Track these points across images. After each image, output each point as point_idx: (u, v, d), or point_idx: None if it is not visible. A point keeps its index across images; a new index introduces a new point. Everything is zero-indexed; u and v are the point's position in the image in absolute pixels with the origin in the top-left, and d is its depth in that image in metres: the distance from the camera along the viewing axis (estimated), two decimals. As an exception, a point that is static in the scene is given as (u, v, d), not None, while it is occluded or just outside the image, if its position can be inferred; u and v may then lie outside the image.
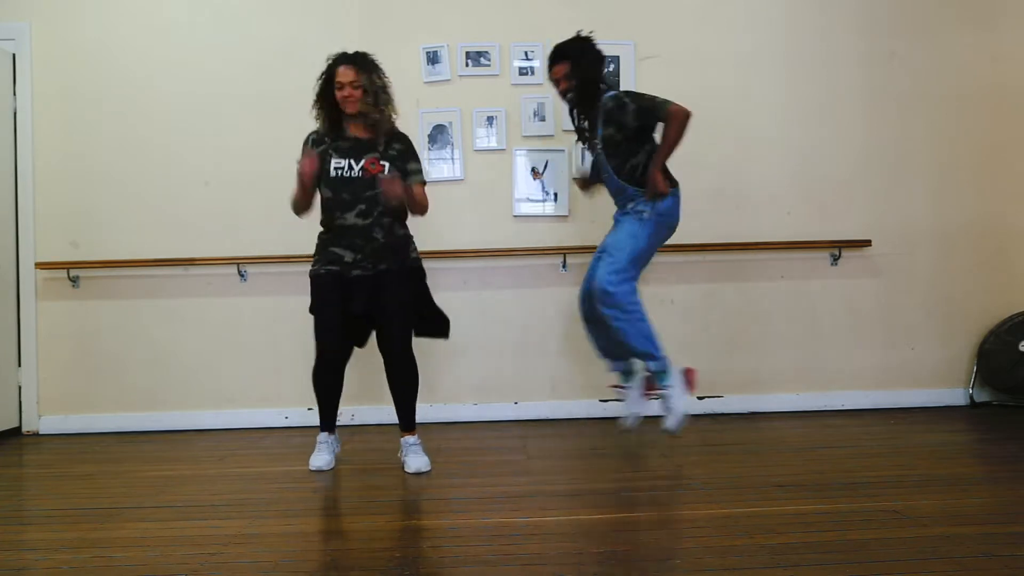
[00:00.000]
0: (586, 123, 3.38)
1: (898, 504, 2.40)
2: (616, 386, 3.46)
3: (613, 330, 3.20)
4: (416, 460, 3.07)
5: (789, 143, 4.22)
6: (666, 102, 3.15)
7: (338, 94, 3.01)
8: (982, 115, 4.26)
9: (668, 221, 3.25)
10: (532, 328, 4.17)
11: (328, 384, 3.16)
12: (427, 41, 4.16)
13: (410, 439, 3.17)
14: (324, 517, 2.53)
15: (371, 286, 3.07)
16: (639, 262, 3.23)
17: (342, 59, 3.04)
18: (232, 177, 4.17)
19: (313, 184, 3.08)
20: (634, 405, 3.37)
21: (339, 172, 3.04)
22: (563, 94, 3.34)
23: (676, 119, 3.14)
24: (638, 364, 3.34)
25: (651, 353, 3.17)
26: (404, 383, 3.15)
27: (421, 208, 3.18)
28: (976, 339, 4.23)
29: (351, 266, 3.06)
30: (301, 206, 3.15)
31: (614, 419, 4.08)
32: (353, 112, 3.04)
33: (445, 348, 4.14)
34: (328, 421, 3.21)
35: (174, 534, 2.32)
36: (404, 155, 3.13)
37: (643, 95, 3.21)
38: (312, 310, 3.13)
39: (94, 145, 4.17)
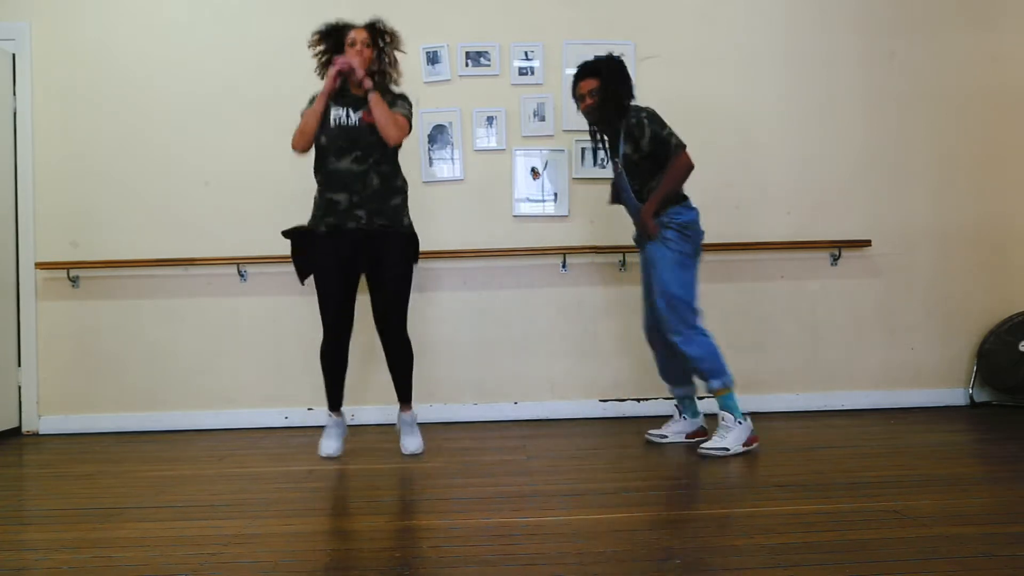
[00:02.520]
0: (605, 142, 3.41)
1: (898, 504, 2.40)
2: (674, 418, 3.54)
3: (680, 356, 3.27)
4: (412, 442, 3.32)
5: (789, 143, 4.23)
6: (679, 145, 3.19)
7: (349, 51, 3.15)
8: (982, 115, 4.26)
9: (691, 233, 3.26)
10: (532, 328, 4.17)
11: (332, 356, 3.24)
12: (427, 41, 4.16)
13: (407, 416, 3.37)
14: (324, 517, 2.53)
15: (368, 245, 3.16)
16: (689, 285, 3.23)
17: (356, 24, 3.20)
18: (232, 177, 4.17)
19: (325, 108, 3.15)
20: (672, 432, 3.46)
21: (337, 120, 3.15)
22: (587, 111, 3.32)
23: (681, 165, 3.19)
24: (695, 392, 3.48)
25: (716, 370, 3.20)
26: (402, 358, 3.28)
27: (396, 127, 3.09)
28: (976, 339, 4.23)
29: (346, 214, 3.13)
30: (308, 133, 3.12)
31: (614, 419, 4.10)
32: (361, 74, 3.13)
33: (445, 348, 4.15)
34: (334, 399, 3.33)
35: (174, 534, 2.31)
36: (397, 99, 3.24)
37: (663, 125, 3.20)
38: (297, 242, 3.23)
39: (94, 145, 4.18)
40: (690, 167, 3.20)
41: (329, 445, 3.32)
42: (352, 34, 3.17)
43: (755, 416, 4.08)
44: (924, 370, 4.24)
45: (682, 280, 3.20)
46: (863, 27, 4.24)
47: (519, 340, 4.17)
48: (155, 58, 4.18)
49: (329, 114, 3.16)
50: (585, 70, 3.29)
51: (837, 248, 4.19)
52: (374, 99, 3.07)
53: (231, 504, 2.65)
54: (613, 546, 2.11)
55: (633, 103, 3.29)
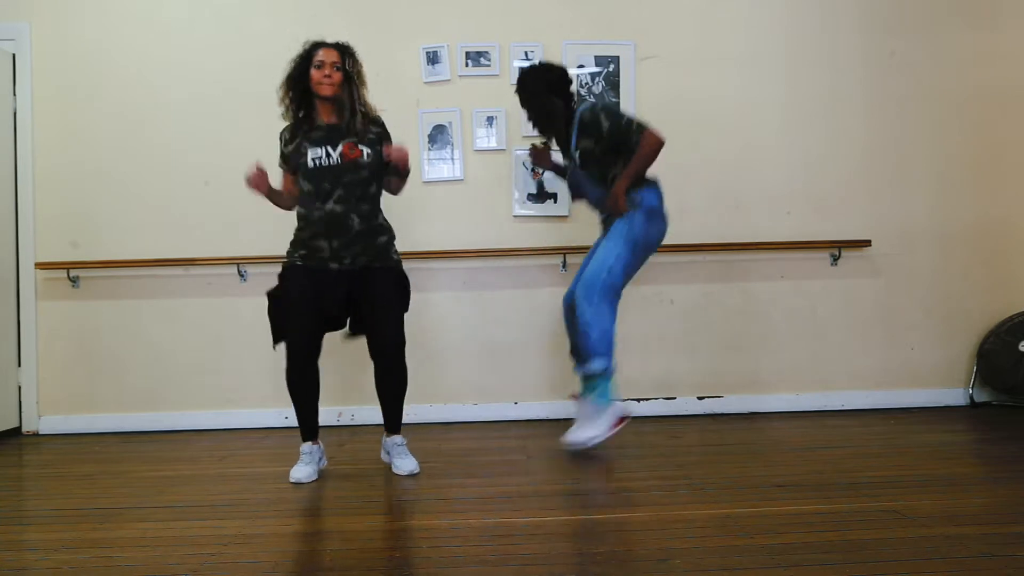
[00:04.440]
0: (553, 140, 3.40)
1: (898, 504, 2.40)
2: (573, 396, 3.44)
3: (580, 325, 3.17)
4: (407, 463, 3.02)
5: (789, 143, 4.22)
6: (641, 127, 3.16)
7: (316, 74, 2.92)
8: (982, 115, 4.26)
9: (658, 219, 3.24)
10: (532, 328, 4.17)
11: (305, 386, 3.00)
12: (427, 41, 4.16)
13: (397, 439, 3.09)
14: (324, 517, 2.53)
15: (350, 284, 2.94)
16: (628, 270, 3.21)
17: (322, 43, 2.99)
18: (232, 177, 4.14)
19: (276, 191, 3.04)
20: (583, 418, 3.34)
21: (317, 162, 2.90)
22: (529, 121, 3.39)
23: (650, 145, 3.13)
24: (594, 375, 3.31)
25: (603, 351, 3.12)
26: (396, 385, 3.02)
27: (404, 183, 3.12)
28: (976, 339, 4.23)
29: (328, 259, 2.93)
30: (284, 206, 3.12)
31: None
32: (328, 95, 2.94)
33: (445, 348, 4.15)
34: (309, 428, 3.05)
35: (174, 534, 2.32)
36: (383, 138, 3.04)
37: (619, 115, 3.19)
38: (278, 302, 2.97)
39: (94, 145, 4.17)
40: (660, 142, 3.15)
41: (300, 470, 2.96)
42: (320, 54, 2.92)
43: (755, 416, 4.10)
44: (924, 370, 4.24)
45: (625, 262, 3.17)
46: (863, 27, 4.24)
47: (519, 340, 4.17)
48: (155, 58, 4.18)
49: (307, 156, 2.91)
50: (517, 88, 3.34)
51: (837, 248, 4.19)
52: (403, 166, 2.96)
53: (231, 504, 2.65)
54: (613, 546, 2.11)
55: (581, 102, 3.29)
